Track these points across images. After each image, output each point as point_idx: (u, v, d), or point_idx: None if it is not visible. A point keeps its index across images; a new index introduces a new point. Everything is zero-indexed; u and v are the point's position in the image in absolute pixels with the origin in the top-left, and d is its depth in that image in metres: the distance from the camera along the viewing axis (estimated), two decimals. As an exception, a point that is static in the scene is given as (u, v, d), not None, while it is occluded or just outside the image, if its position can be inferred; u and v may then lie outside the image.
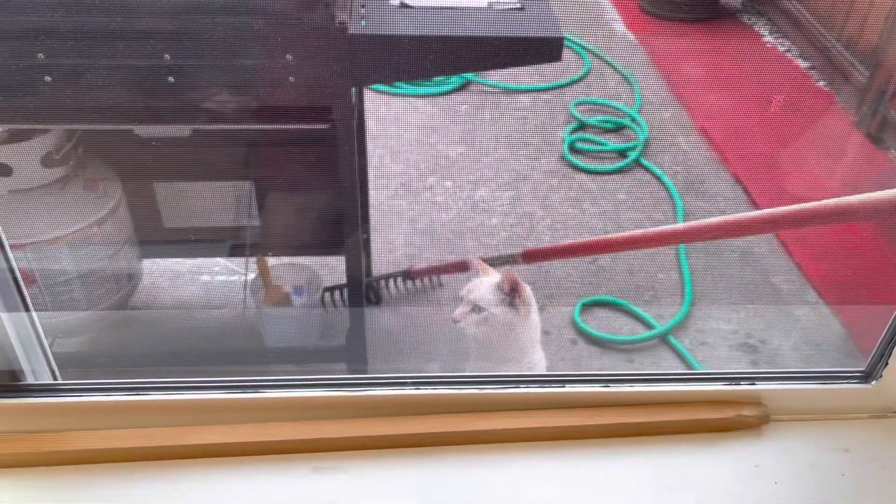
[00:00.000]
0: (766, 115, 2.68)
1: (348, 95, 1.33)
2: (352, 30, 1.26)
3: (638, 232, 1.58)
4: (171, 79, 1.29)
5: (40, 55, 1.25)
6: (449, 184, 2.67)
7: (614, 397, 0.79)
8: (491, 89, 3.05)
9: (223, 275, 2.18)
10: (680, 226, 1.50)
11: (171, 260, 2.12)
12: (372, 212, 2.09)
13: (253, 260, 1.92)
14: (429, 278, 2.07)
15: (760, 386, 0.80)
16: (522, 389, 0.78)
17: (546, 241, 2.35)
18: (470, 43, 1.29)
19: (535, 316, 1.31)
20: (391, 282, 2.08)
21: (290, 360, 1.85)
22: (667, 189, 2.58)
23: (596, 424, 0.78)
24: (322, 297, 1.96)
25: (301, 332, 1.96)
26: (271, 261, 1.94)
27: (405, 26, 1.30)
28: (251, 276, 2.04)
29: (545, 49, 1.30)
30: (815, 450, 0.79)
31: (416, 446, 0.76)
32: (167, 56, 1.27)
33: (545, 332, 2.07)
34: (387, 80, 1.35)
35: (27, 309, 0.82)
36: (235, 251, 1.93)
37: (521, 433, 0.77)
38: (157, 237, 1.77)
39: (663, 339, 2.03)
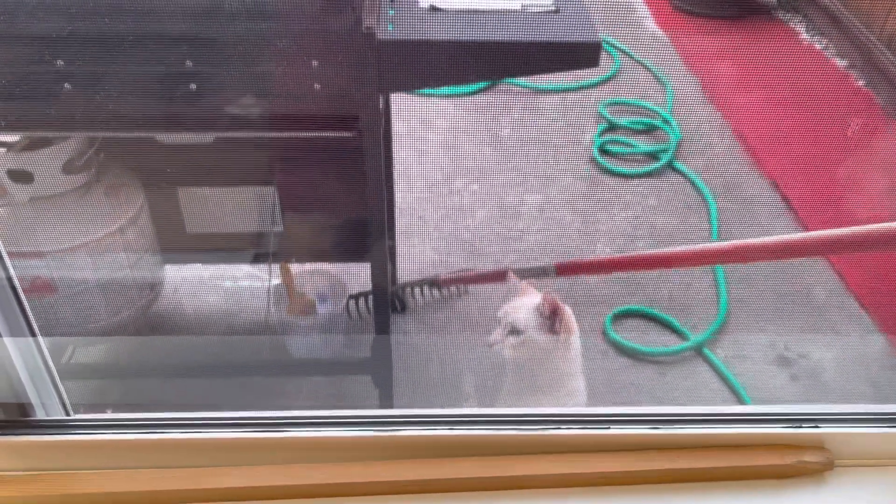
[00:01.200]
0: (802, 116, 2.59)
1: (376, 103, 1.28)
2: (380, 35, 1.20)
3: (682, 249, 1.51)
4: (192, 86, 1.25)
5: (59, 62, 1.21)
6: (476, 187, 2.61)
7: (663, 440, 0.73)
8: (519, 89, 2.99)
9: (246, 281, 2.14)
10: (727, 245, 1.43)
11: (193, 266, 2.08)
12: (396, 216, 2.05)
13: (276, 266, 1.89)
14: (455, 286, 2.02)
15: (824, 429, 0.74)
16: (564, 431, 0.72)
17: (575, 247, 2.29)
18: (503, 48, 1.23)
19: (576, 342, 1.25)
20: (417, 289, 2.04)
21: (314, 372, 1.81)
22: (700, 193, 2.51)
23: (643, 470, 0.72)
24: (347, 305, 1.92)
25: (325, 342, 1.92)
26: (294, 267, 1.91)
27: (435, 31, 1.24)
28: (275, 282, 2.00)
29: (581, 54, 1.24)
30: (884, 499, 0.72)
31: (450, 491, 0.71)
32: (189, 63, 1.23)
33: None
34: (416, 87, 1.30)
35: (33, 333, 0.77)
36: (259, 257, 1.89)
37: (563, 478, 0.71)
38: (180, 243, 1.74)
39: (698, 351, 1.96)
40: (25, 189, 1.48)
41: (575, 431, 0.72)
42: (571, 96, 3.05)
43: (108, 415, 0.73)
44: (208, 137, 1.48)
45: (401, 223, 2.28)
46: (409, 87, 1.33)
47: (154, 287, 1.74)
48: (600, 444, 0.73)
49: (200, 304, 2.05)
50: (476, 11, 1.29)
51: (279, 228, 1.71)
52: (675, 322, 2.01)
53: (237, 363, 1.81)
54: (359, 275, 2.02)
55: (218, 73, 1.25)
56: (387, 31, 1.22)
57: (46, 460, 0.71)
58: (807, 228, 2.37)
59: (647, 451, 0.73)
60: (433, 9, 1.29)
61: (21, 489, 0.68)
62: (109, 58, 1.21)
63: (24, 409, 0.72)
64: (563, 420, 0.73)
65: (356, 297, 1.95)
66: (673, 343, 1.98)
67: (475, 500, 0.71)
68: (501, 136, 2.85)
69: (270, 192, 1.66)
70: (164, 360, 1.82)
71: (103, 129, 1.40)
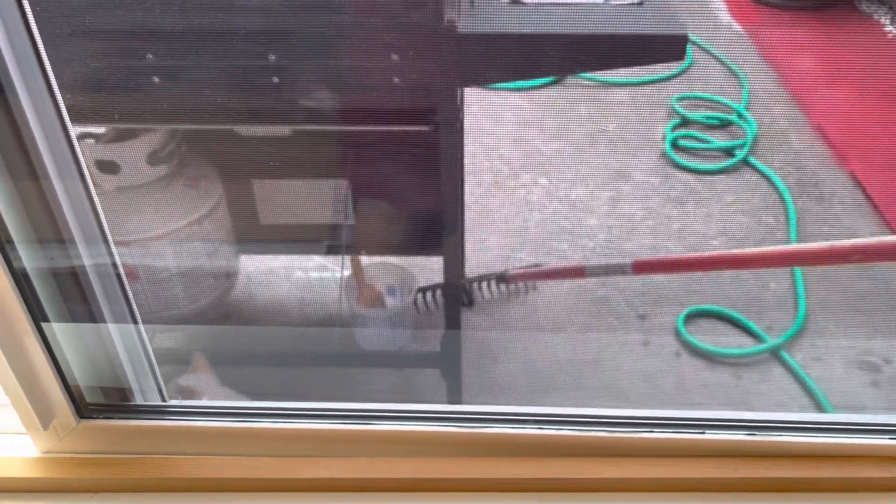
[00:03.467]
0: (887, 110, 2.49)
1: (455, 97, 1.27)
2: (461, 29, 1.20)
3: (766, 249, 1.46)
4: (275, 79, 1.27)
5: (150, 56, 1.24)
6: (544, 181, 2.59)
7: (761, 447, 0.70)
8: (588, 83, 2.95)
9: (317, 272, 2.17)
10: (815, 246, 1.37)
11: (266, 256, 2.12)
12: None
13: (347, 258, 1.90)
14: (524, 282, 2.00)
15: (934, 442, 0.70)
16: (656, 434, 0.71)
17: (647, 244, 2.24)
18: (586, 41, 1.21)
19: None
20: (484, 284, 2.03)
21: (383, 364, 1.82)
22: (778, 191, 2.43)
23: (739, 478, 0.69)
24: (416, 299, 1.92)
25: (393, 335, 1.93)
26: (364, 260, 1.92)
27: (516, 24, 1.23)
28: (345, 273, 2.02)
29: (668, 48, 1.21)
30: None
31: (537, 491, 0.70)
32: (272, 56, 1.24)
33: (645, 344, 1.98)
34: (496, 81, 1.29)
35: (135, 321, 0.80)
36: (330, 249, 1.92)
37: (654, 483, 0.70)
38: (254, 234, 1.77)
39: (774, 354, 1.90)
40: (112, 179, 1.53)
41: (668, 435, 0.71)
42: (642, 90, 2.99)
43: (202, 402, 0.74)
44: (286, 130, 1.51)
45: (467, 217, 2.27)
46: (488, 81, 1.33)
47: (229, 276, 1.78)
48: (694, 448, 0.71)
49: (272, 293, 2.09)
50: (558, 4, 1.27)
51: (351, 221, 1.72)
52: (751, 323, 1.95)
53: (308, 353, 1.84)
54: (427, 268, 2.03)
55: (299, 67, 1.26)
56: (468, 24, 1.21)
57: (144, 444, 0.73)
58: (891, 229, 2.27)
59: (742, 458, 0.70)
60: (514, 2, 1.28)
61: (120, 471, 0.71)
62: (197, 52, 1.24)
63: (124, 393, 0.74)
64: (655, 423, 0.72)
65: (424, 290, 1.96)
66: (748, 345, 1.93)
67: (562, 500, 0.70)
68: (570, 130, 2.81)
69: (343, 185, 1.67)
70: (237, 349, 1.86)
71: (188, 122, 1.43)
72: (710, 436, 0.70)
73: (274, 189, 1.70)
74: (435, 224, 1.60)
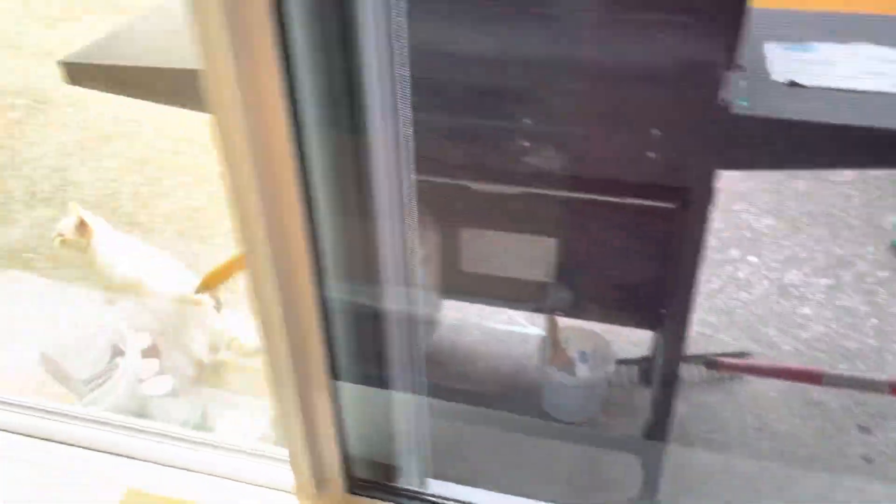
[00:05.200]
0: None
1: (712, 178, 1.19)
2: (735, 109, 1.12)
3: None
4: (525, 143, 1.25)
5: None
6: (754, 259, 2.42)
7: None
8: (809, 158, 2.72)
9: (507, 325, 2.14)
10: None
11: (462, 304, 2.12)
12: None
13: (542, 316, 1.85)
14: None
15: None
16: None
17: (871, 345, 2.01)
18: (875, 135, 1.09)
19: None
20: (689, 366, 1.90)
21: (577, 440, 1.74)
22: None
23: None
24: (617, 371, 1.83)
25: (584, 405, 1.84)
26: (560, 321, 1.86)
27: (796, 109, 1.13)
28: (537, 331, 1.97)
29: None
30: None
31: None
32: (527, 121, 1.22)
33: (867, 461, 1.76)
34: (765, 167, 1.19)
35: (421, 392, 0.76)
36: (528, 305, 1.87)
37: None
38: (458, 282, 1.76)
39: None
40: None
41: None
42: (872, 172, 2.74)
43: (464, 490, 0.70)
44: (517, 189, 1.48)
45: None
46: (757, 166, 1.23)
47: (432, 323, 1.79)
48: None
49: (466, 341, 2.08)
50: (844, 91, 1.16)
51: (555, 279, 1.67)
52: None
53: (498, 419, 1.78)
54: (623, 337, 1.93)
55: (553, 132, 1.23)
56: (741, 105, 1.13)
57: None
58: None
59: None
60: (793, 84, 1.18)
61: (382, 556, 0.68)
62: (455, 109, 1.24)
63: (389, 471, 0.72)
64: None
65: (626, 362, 1.87)
66: None
67: None
68: (785, 207, 2.62)
69: (554, 243, 1.63)
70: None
71: (426, 174, 1.44)
72: None
73: (481, 239, 1.68)
74: (656, 298, 1.51)
